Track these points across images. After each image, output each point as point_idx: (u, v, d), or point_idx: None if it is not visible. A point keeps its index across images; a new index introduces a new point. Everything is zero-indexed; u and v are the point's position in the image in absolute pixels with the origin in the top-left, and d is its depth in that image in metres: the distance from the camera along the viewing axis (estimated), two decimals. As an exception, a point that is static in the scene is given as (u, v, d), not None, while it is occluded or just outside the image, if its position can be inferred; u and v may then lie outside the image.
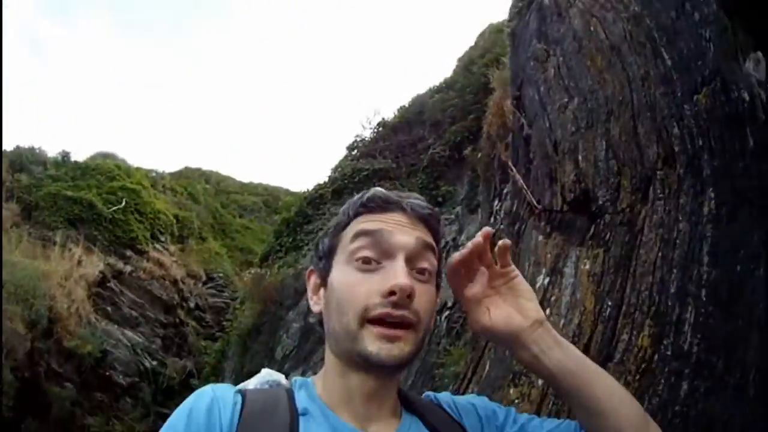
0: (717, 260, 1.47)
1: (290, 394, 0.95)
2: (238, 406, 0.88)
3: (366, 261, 0.94)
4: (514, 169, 3.54)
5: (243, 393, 0.93)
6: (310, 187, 10.97)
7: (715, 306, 1.44)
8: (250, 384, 1.01)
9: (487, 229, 1.01)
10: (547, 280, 2.55)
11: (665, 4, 1.91)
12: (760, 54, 1.59)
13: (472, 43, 11.30)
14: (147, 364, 11.80)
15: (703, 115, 1.66)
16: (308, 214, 10.05)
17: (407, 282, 0.90)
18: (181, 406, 0.87)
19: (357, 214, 1.00)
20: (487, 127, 6.37)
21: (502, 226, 5.08)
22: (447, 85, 10.38)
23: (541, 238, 2.80)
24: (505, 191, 5.28)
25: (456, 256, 1.01)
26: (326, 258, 1.02)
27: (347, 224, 1.01)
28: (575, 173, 2.46)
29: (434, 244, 1.01)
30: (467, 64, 10.08)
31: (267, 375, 1.04)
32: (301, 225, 10.01)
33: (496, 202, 5.70)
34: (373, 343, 0.89)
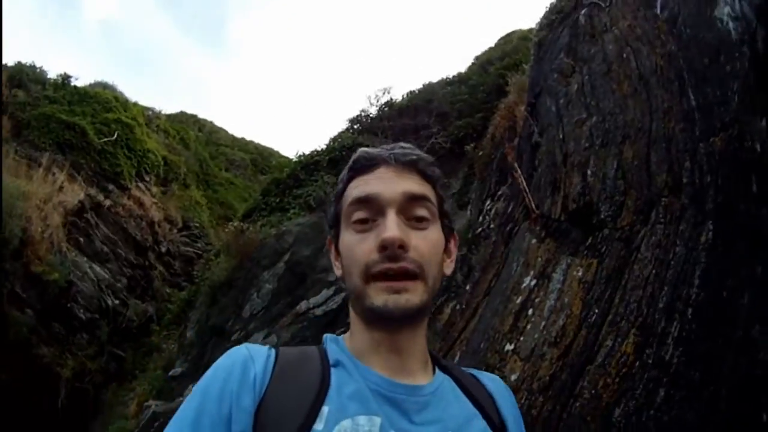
0: (707, 284, 1.62)
1: (321, 348, 0.99)
2: (272, 359, 0.92)
3: (362, 221, 0.96)
4: (519, 171, 3.69)
5: (276, 348, 0.96)
6: (306, 152, 10.96)
7: (699, 324, 1.60)
8: None
9: None
10: (534, 282, 2.71)
11: (701, 51, 2.06)
12: (778, 113, 1.75)
13: (493, 44, 11.43)
14: (109, 302, 11.39)
15: (716, 156, 1.82)
16: (300, 178, 9.90)
17: (395, 234, 0.90)
18: (215, 363, 0.91)
19: (350, 179, 1.02)
20: (493, 128, 6.50)
21: (491, 226, 5.22)
22: (460, 80, 10.38)
23: (534, 241, 2.96)
24: (500, 193, 5.41)
25: None
26: (334, 226, 1.05)
27: (344, 190, 1.03)
28: (581, 186, 2.61)
29: (427, 187, 1.00)
30: (484, 63, 10.15)
31: None
32: (291, 187, 9.84)
33: (488, 202, 5.81)
34: (378, 297, 0.91)
